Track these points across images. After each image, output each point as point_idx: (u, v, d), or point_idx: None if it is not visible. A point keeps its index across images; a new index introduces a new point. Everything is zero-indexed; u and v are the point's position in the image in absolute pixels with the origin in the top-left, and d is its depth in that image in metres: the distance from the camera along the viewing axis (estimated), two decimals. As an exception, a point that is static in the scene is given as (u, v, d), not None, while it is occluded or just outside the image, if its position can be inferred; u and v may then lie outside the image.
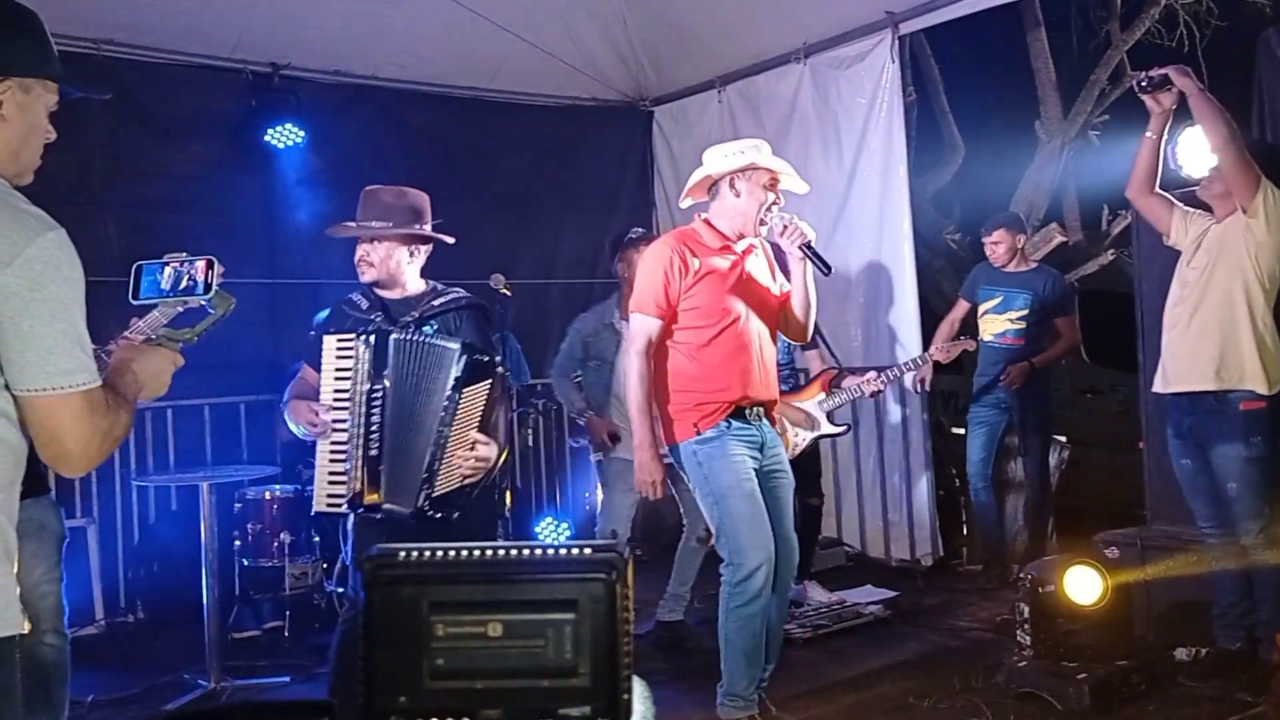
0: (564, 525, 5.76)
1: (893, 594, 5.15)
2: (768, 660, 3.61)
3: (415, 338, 3.09)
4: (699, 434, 3.48)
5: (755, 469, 3.51)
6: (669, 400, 3.57)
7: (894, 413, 5.84)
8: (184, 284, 1.90)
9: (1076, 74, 6.42)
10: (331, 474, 3.08)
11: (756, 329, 3.57)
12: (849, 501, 6.07)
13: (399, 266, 3.26)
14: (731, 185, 3.57)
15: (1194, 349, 3.81)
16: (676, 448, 3.57)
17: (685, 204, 3.77)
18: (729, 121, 6.64)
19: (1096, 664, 3.76)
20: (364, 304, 3.27)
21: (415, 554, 0.84)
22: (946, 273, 6.58)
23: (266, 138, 5.65)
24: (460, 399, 3.06)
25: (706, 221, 3.63)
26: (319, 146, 5.78)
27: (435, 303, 3.29)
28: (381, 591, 0.83)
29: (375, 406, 3.05)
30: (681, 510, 4.72)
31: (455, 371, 3.04)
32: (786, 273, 3.67)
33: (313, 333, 3.29)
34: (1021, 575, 4.15)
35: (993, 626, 4.66)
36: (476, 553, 0.85)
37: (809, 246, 3.49)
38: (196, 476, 4.41)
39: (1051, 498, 5.50)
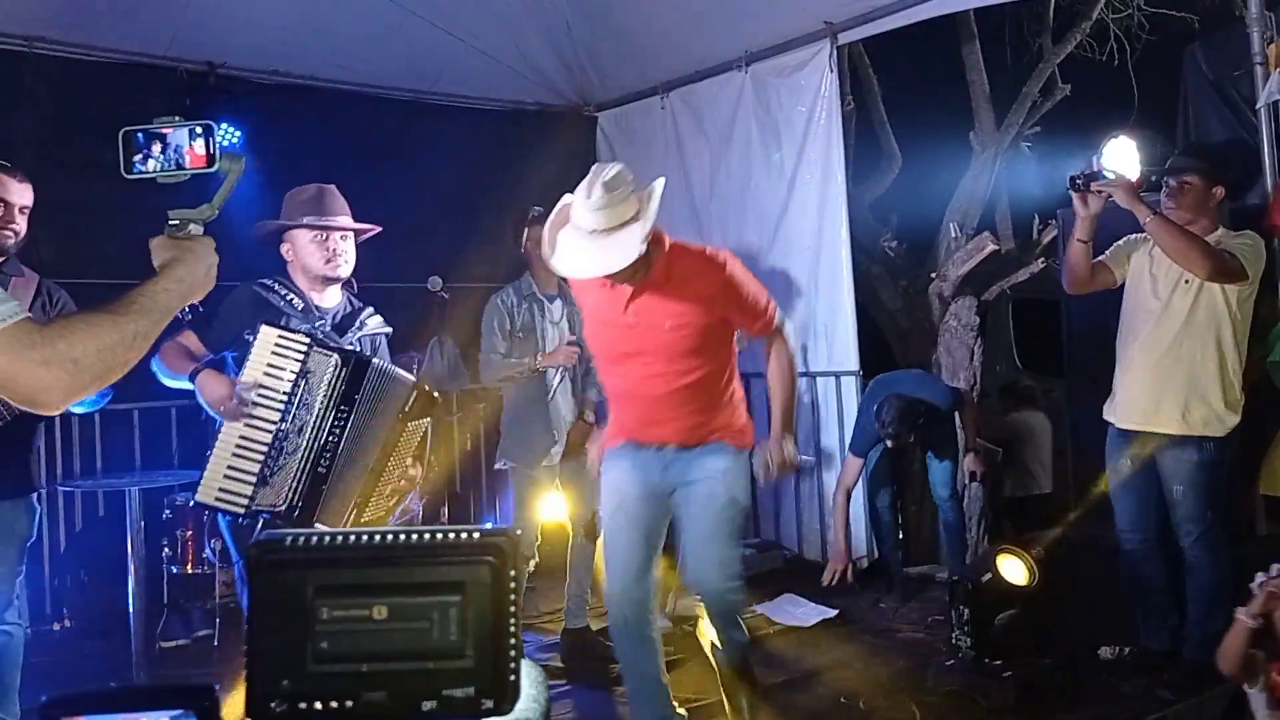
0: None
1: (830, 611, 4.97)
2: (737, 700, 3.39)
3: (384, 367, 3.14)
4: (605, 451, 3.40)
5: (641, 490, 3.24)
6: None
7: (832, 418, 5.90)
8: (183, 154, 1.74)
9: (1009, 86, 6.57)
10: (232, 468, 2.96)
11: (644, 369, 3.16)
12: (787, 505, 6.13)
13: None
14: None
15: (1160, 391, 3.81)
16: None
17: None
18: (672, 128, 6.69)
19: (1022, 663, 3.84)
20: (297, 302, 3.23)
21: (301, 539, 0.85)
22: (884, 279, 6.67)
23: (201, 137, 5.57)
24: (405, 430, 3.14)
25: None
26: (256, 147, 5.68)
27: (368, 323, 3.37)
28: (265, 576, 0.83)
29: (338, 426, 3.01)
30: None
31: (406, 405, 3.13)
32: (688, 290, 3.10)
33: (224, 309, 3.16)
34: (957, 580, 4.23)
35: (924, 627, 4.73)
36: (363, 537, 0.86)
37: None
38: (123, 482, 4.33)
39: (963, 517, 5.49)
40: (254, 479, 2.94)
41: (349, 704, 0.83)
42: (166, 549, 4.73)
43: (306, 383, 2.98)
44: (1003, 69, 6.83)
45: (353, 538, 0.86)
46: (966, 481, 5.34)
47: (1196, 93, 4.71)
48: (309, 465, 2.98)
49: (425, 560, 0.85)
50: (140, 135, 1.74)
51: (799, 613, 4.95)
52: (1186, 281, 3.76)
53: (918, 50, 6.71)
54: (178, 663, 4.52)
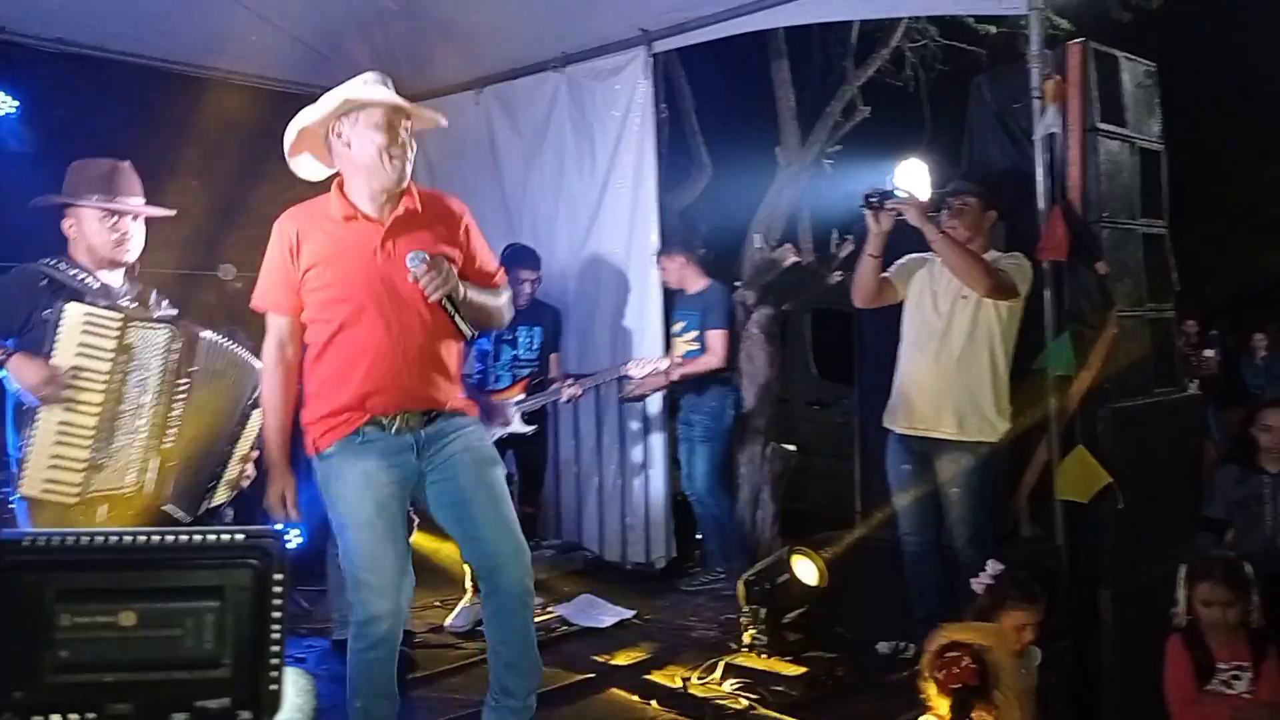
0: (294, 531, 5.53)
1: (627, 613, 5.02)
2: (517, 683, 3.01)
3: (219, 339, 3.13)
4: (319, 451, 2.92)
5: (399, 478, 2.91)
6: (303, 407, 2.99)
7: (638, 419, 5.97)
8: None
9: (814, 105, 6.83)
10: (57, 456, 2.82)
11: (402, 319, 2.87)
12: (590, 506, 6.16)
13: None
14: (337, 135, 2.96)
15: (940, 399, 4.01)
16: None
17: (305, 175, 3.14)
18: (485, 124, 6.63)
19: (809, 658, 4.01)
20: (91, 281, 3.06)
21: (42, 539, 0.79)
22: (691, 286, 6.81)
23: (-28, 105, 5.16)
24: (250, 418, 3.15)
25: (338, 185, 2.98)
26: (35, 119, 5.33)
27: (162, 304, 3.26)
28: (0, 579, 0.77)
29: (178, 401, 2.99)
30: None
31: (255, 392, 3.09)
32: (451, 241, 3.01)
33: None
34: (752, 579, 4.36)
35: (718, 626, 4.86)
36: (112, 538, 0.80)
37: (450, 301, 2.86)
38: None
39: (731, 513, 5.69)
40: (83, 465, 2.84)
41: (90, 716, 0.77)
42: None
43: (133, 360, 2.92)
44: (809, 88, 7.10)
45: (100, 538, 0.80)
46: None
47: (980, 121, 4.99)
48: (156, 444, 2.96)
49: (180, 563, 0.80)
50: None
51: (595, 614, 4.98)
52: (964, 298, 4.01)
53: (730, 64, 6.90)
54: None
